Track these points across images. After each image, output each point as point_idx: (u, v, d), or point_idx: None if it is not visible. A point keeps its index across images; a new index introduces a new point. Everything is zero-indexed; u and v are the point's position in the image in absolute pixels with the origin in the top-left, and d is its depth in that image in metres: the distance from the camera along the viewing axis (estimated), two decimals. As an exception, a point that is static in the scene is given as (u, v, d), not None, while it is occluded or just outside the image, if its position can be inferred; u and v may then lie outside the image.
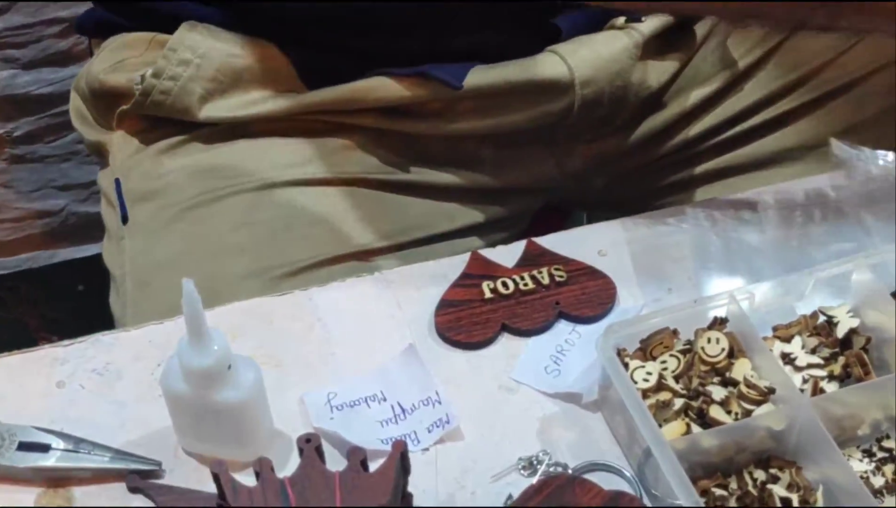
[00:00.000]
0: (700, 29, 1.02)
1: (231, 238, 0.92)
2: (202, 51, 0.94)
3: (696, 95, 1.02)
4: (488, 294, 0.82)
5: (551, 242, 0.86)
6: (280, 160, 0.95)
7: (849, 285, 0.78)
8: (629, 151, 1.03)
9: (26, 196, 1.66)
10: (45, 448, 0.73)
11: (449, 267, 0.85)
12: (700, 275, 0.82)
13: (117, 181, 1.00)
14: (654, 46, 0.99)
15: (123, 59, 1.00)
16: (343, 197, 0.95)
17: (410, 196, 0.97)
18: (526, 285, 0.83)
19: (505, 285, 0.83)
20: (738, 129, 1.03)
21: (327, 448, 0.72)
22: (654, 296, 0.82)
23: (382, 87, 0.94)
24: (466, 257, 0.85)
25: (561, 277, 0.83)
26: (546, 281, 0.83)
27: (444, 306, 0.82)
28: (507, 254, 0.86)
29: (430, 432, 0.75)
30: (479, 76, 0.93)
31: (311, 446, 0.69)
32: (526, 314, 0.81)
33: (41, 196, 1.66)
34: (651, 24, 0.98)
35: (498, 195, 1.01)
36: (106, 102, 1.01)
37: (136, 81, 0.96)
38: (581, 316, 0.81)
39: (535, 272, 0.83)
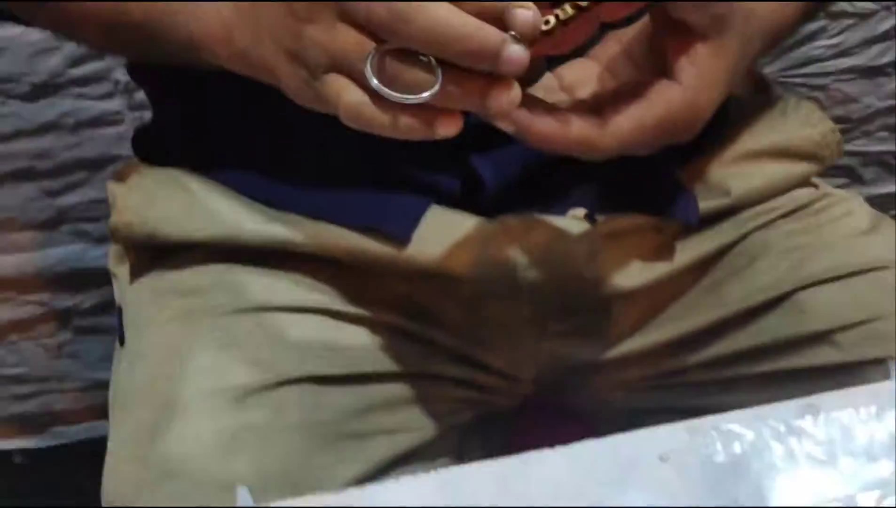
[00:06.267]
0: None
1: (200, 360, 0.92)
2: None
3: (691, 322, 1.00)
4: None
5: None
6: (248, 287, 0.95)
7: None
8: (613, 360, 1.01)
9: (91, 366, 1.67)
10: None
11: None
12: (766, 489, 0.79)
13: (119, 309, 1.03)
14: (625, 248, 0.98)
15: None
16: (307, 324, 0.94)
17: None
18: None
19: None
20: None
21: None
22: None
23: (329, 234, 0.94)
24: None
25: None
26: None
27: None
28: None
29: None
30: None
31: None
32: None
33: (105, 367, 1.67)
34: (618, 222, 0.96)
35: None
36: None
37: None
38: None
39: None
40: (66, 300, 1.60)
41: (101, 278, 1.57)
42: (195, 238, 0.97)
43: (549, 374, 1.02)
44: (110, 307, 1.61)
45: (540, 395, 1.05)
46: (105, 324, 1.64)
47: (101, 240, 1.55)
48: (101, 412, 1.70)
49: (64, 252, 1.56)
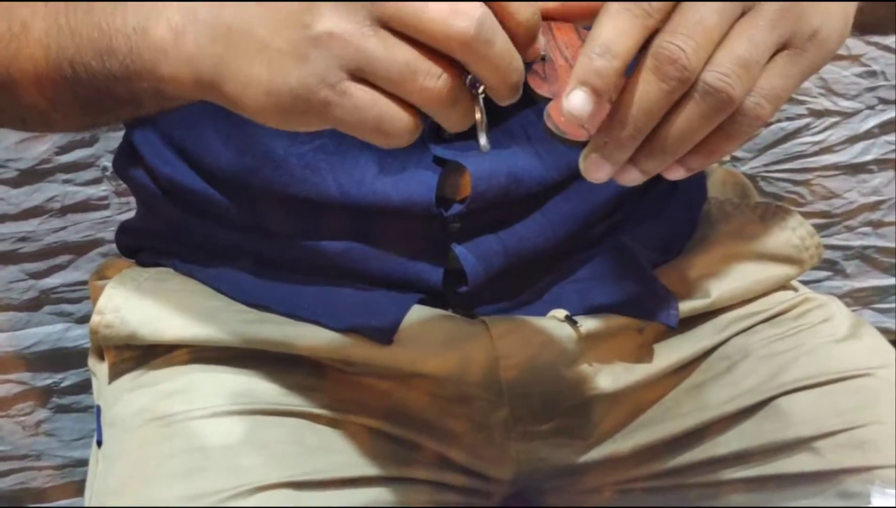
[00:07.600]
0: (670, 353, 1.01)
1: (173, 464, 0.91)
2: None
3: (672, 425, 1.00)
4: None
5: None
6: (226, 389, 0.95)
7: None
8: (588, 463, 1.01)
9: (68, 445, 1.66)
10: None
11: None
12: None
13: (98, 408, 1.01)
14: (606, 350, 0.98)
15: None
16: (285, 427, 0.93)
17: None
18: None
19: None
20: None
21: None
22: None
23: (312, 336, 0.94)
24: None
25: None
26: None
27: None
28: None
29: None
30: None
31: None
32: None
33: (82, 445, 1.67)
34: (598, 323, 0.97)
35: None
36: None
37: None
38: None
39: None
40: (45, 379, 1.59)
41: (82, 357, 1.56)
42: (174, 340, 0.96)
43: (529, 476, 1.02)
44: (89, 386, 1.61)
45: (519, 497, 1.05)
46: (83, 403, 1.63)
47: (83, 320, 1.55)
48: (78, 490, 1.69)
49: (45, 332, 1.55)
